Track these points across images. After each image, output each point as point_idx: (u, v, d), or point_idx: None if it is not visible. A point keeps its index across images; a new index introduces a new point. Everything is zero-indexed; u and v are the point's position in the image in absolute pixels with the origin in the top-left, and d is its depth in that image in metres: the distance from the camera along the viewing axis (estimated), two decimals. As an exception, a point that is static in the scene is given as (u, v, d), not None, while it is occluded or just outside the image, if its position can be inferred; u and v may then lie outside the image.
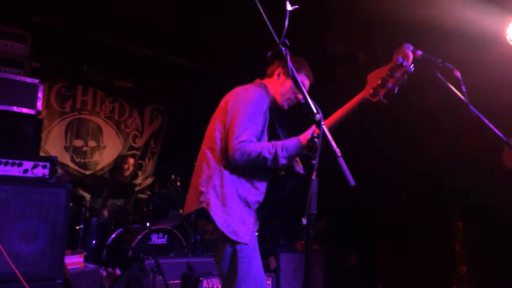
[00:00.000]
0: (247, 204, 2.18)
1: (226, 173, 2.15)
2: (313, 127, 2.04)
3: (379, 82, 1.93)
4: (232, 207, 2.12)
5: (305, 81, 2.41)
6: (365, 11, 4.14)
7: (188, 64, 6.23)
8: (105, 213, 5.35)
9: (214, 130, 2.25)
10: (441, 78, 2.09)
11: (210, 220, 2.10)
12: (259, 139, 2.21)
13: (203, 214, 2.12)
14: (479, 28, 3.81)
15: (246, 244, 2.11)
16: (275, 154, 2.06)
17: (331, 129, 2.07)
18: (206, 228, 2.16)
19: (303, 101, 2.35)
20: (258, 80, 2.44)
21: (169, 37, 5.48)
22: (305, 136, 2.08)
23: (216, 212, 2.10)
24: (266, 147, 2.06)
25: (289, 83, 2.37)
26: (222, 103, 2.31)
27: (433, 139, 4.63)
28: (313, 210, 1.48)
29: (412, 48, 2.07)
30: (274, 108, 2.39)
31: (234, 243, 2.09)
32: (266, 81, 2.45)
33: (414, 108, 4.65)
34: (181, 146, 6.80)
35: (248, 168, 2.16)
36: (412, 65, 1.88)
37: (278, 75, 2.41)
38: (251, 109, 2.15)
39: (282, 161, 2.09)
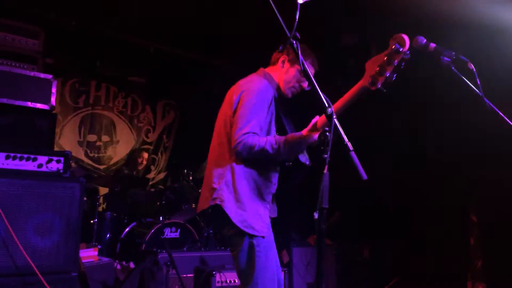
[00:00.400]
0: (261, 197, 2.18)
1: (237, 167, 2.15)
2: (316, 119, 2.04)
3: (377, 69, 1.89)
4: (246, 202, 2.12)
5: (310, 69, 2.36)
6: (377, 4, 4.09)
7: (201, 59, 6.23)
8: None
9: (221, 126, 2.25)
10: (455, 71, 2.06)
11: (226, 217, 2.10)
12: (268, 131, 2.21)
13: (218, 210, 2.12)
14: (495, 21, 3.75)
15: (263, 237, 2.11)
16: (278, 150, 2.06)
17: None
18: (221, 225, 2.16)
19: (307, 89, 2.34)
20: (261, 69, 2.42)
21: (182, 32, 5.48)
22: (306, 130, 2.06)
23: (231, 208, 2.10)
24: (269, 142, 2.06)
25: (293, 71, 2.35)
26: (227, 97, 2.30)
27: (450, 132, 4.57)
28: (325, 205, 1.47)
29: (425, 40, 2.04)
30: (279, 97, 2.37)
31: (251, 237, 2.10)
32: (269, 69, 2.42)
33: (431, 102, 4.61)
34: (194, 140, 6.81)
35: (258, 161, 2.16)
36: (409, 51, 1.84)
37: (283, 62, 2.38)
38: (254, 100, 2.14)
39: (285, 156, 2.11)
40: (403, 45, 1.81)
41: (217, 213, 2.13)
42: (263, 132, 2.17)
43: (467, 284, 4.45)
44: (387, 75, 1.87)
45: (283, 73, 2.38)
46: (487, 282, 4.30)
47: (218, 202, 2.12)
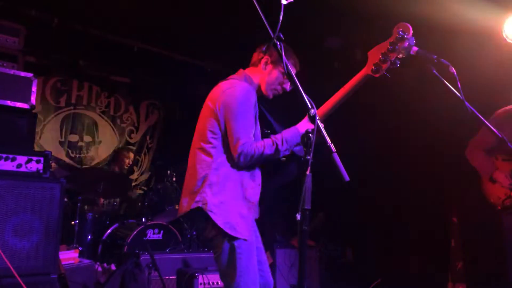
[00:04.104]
0: (245, 198, 2.18)
1: (221, 170, 2.15)
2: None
3: (380, 57, 1.95)
4: (230, 203, 2.12)
5: (292, 69, 2.32)
6: (362, 7, 4.13)
7: (185, 59, 6.20)
8: (101, 200, 5.33)
9: (204, 129, 2.22)
10: (436, 74, 2.09)
11: (208, 219, 2.10)
12: (257, 134, 2.23)
13: (200, 213, 2.12)
14: (476, 25, 3.81)
15: (245, 240, 2.11)
16: (277, 149, 2.10)
17: (336, 107, 2.11)
18: (204, 227, 2.15)
19: (289, 90, 2.36)
20: (241, 71, 2.39)
21: (166, 31, 5.45)
22: (302, 124, 2.12)
23: (214, 210, 2.10)
24: (267, 145, 2.09)
25: (276, 72, 2.34)
26: (208, 102, 2.27)
27: (432, 134, 4.63)
28: (307, 206, 1.47)
29: (407, 44, 2.06)
30: (259, 97, 2.36)
31: (232, 239, 2.10)
32: (250, 70, 2.40)
33: (414, 105, 4.66)
34: (177, 141, 6.77)
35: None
36: (413, 38, 1.91)
37: (265, 63, 2.35)
38: (242, 109, 2.15)
39: (285, 153, 2.15)
40: (407, 32, 1.90)
41: (200, 216, 2.13)
42: (255, 136, 2.20)
43: (448, 285, 4.51)
44: (391, 60, 1.94)
45: (265, 74, 2.36)
46: (467, 283, 4.37)
47: (200, 205, 2.11)
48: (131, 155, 6.16)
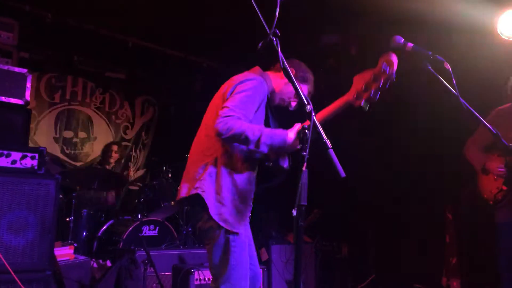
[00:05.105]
0: (241, 194, 2.18)
1: (223, 161, 2.15)
2: (297, 125, 2.06)
3: (362, 86, 1.91)
4: (226, 196, 2.13)
5: (304, 88, 2.40)
6: (357, 4, 4.12)
7: (181, 55, 6.17)
8: (110, 197, 5.31)
9: (211, 118, 2.23)
10: (431, 71, 2.10)
11: (205, 207, 2.11)
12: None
13: (198, 200, 2.12)
14: (471, 22, 3.83)
15: (237, 234, 2.11)
16: (259, 139, 2.04)
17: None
18: (200, 215, 2.16)
19: (292, 109, 2.38)
20: (258, 68, 2.41)
21: (162, 27, 5.42)
22: (290, 134, 2.07)
23: (210, 199, 2.11)
24: (251, 128, 2.04)
25: (292, 87, 2.35)
26: (220, 90, 2.29)
27: (427, 132, 4.65)
28: (303, 202, 1.48)
29: (403, 40, 2.07)
30: (269, 100, 2.37)
31: (227, 232, 2.10)
32: (270, 73, 2.43)
33: (410, 102, 4.68)
34: (173, 137, 6.76)
35: (242, 157, 2.16)
36: (395, 74, 1.85)
37: None
38: (247, 92, 2.14)
39: (263, 148, 2.07)
40: (390, 66, 1.83)
41: (197, 203, 2.13)
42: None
43: (442, 280, 4.54)
44: (371, 93, 1.89)
45: (283, 82, 2.39)
46: (461, 278, 4.40)
47: (199, 191, 2.12)
48: (115, 147, 6.03)
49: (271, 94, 2.39)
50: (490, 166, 3.24)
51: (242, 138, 2.03)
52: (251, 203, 2.30)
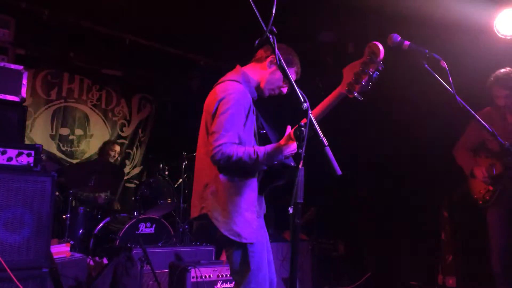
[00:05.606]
0: (247, 203, 2.18)
1: (222, 177, 2.16)
2: (289, 129, 2.07)
3: (353, 77, 1.91)
4: (232, 210, 2.13)
5: (292, 75, 2.35)
6: (355, 1, 4.12)
7: (178, 52, 6.16)
8: (102, 196, 5.30)
9: (205, 135, 2.24)
10: (428, 69, 2.10)
11: (214, 225, 2.13)
12: (248, 140, 2.19)
13: (207, 219, 2.16)
14: (468, 20, 3.83)
15: (252, 244, 2.14)
16: (256, 160, 2.07)
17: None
18: (214, 233, 2.17)
19: (285, 93, 2.36)
20: (238, 68, 2.37)
21: (159, 24, 5.40)
22: (283, 142, 2.08)
23: (217, 218, 2.13)
24: (247, 153, 2.07)
25: (279, 73, 2.32)
26: (206, 105, 2.27)
27: (423, 130, 4.66)
28: (299, 199, 1.48)
29: (399, 38, 2.07)
30: (258, 97, 2.36)
31: (239, 244, 2.13)
32: (252, 66, 2.39)
33: (406, 98, 4.68)
34: (170, 135, 6.76)
35: (241, 171, 2.17)
36: (382, 62, 1.85)
37: (271, 62, 2.34)
38: (231, 110, 2.12)
39: (263, 167, 2.16)
40: (377, 55, 1.83)
41: (207, 221, 2.16)
42: (243, 141, 2.15)
43: (438, 278, 4.56)
44: (363, 83, 1.89)
45: (268, 72, 2.35)
46: (457, 275, 4.42)
47: (205, 211, 2.16)
48: (117, 147, 6.06)
49: (258, 90, 2.36)
50: (476, 173, 3.39)
51: (240, 164, 2.08)
52: (262, 204, 2.35)
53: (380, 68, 1.85)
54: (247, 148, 2.10)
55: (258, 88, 2.36)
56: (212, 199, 2.15)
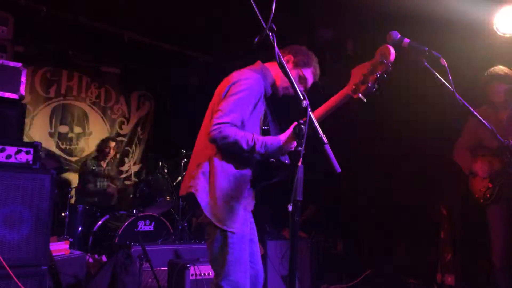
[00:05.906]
0: (236, 192, 2.17)
1: (217, 160, 2.15)
2: (293, 125, 2.05)
3: (361, 78, 1.92)
4: (220, 194, 2.12)
5: (309, 78, 2.38)
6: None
7: (177, 49, 6.15)
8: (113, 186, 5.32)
9: (208, 117, 2.24)
10: (427, 67, 2.09)
11: (199, 206, 2.11)
12: (251, 128, 2.19)
13: (194, 198, 2.13)
14: (467, 18, 3.83)
15: (233, 233, 2.11)
16: (252, 148, 2.07)
17: (318, 121, 2.06)
18: (200, 212, 2.16)
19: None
20: (259, 63, 2.40)
21: (158, 21, 5.39)
22: (284, 137, 2.08)
23: (203, 198, 2.11)
24: (245, 137, 2.06)
25: (294, 73, 2.34)
26: (218, 89, 2.28)
27: (422, 128, 4.66)
28: (299, 197, 1.48)
29: (399, 36, 2.07)
30: (272, 94, 2.37)
31: (223, 230, 2.10)
32: (270, 64, 2.40)
33: (407, 96, 4.68)
34: (169, 132, 6.75)
35: (237, 157, 2.16)
36: (391, 65, 1.86)
37: (287, 61, 2.36)
38: (241, 94, 2.13)
39: (257, 156, 2.13)
40: (387, 57, 1.84)
41: (193, 201, 2.14)
42: (245, 127, 2.15)
43: (437, 276, 4.57)
44: (369, 84, 1.89)
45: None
46: (456, 274, 4.43)
47: (193, 190, 2.13)
48: (112, 143, 6.02)
49: (273, 87, 2.37)
50: (475, 168, 3.40)
51: (236, 147, 2.07)
52: (252, 199, 2.31)
53: (389, 70, 1.86)
54: (246, 133, 2.09)
55: (273, 85, 2.37)
56: (202, 179, 2.14)
